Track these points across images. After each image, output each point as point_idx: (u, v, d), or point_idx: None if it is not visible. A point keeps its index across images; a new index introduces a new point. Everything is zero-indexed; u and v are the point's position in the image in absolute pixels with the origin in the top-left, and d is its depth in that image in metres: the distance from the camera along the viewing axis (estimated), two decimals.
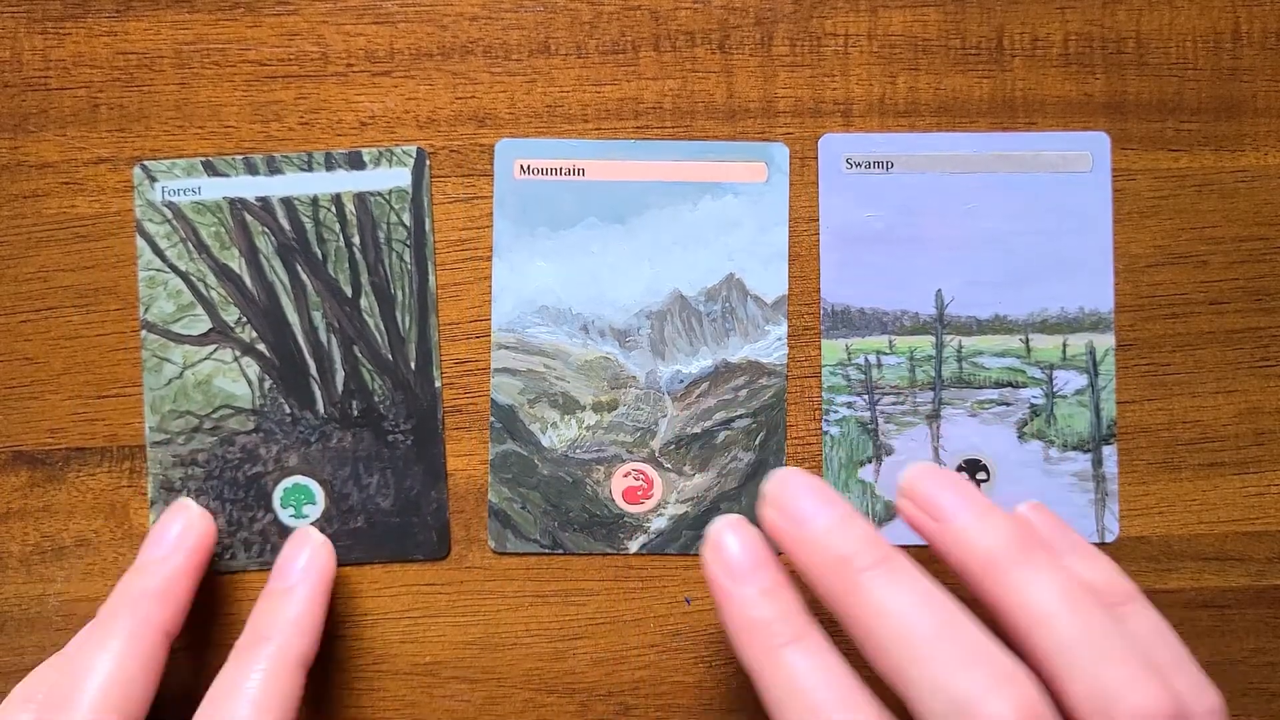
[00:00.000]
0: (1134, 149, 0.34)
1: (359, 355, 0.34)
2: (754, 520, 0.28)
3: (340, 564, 0.33)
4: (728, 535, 0.28)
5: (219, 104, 0.34)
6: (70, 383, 0.34)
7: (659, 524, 0.34)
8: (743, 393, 0.34)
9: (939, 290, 0.34)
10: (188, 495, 0.33)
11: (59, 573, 0.34)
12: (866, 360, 0.34)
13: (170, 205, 0.34)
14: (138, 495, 0.34)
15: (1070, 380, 0.34)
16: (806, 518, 0.28)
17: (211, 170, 0.34)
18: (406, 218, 0.34)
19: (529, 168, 0.34)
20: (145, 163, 0.34)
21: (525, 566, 0.34)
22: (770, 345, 0.34)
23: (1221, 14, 0.35)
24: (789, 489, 0.28)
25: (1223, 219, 0.35)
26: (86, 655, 0.29)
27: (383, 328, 0.34)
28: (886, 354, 0.34)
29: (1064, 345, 0.34)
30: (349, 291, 0.34)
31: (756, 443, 0.34)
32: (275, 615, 0.30)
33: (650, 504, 0.34)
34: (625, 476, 0.34)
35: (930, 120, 0.34)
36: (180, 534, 0.31)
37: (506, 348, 0.34)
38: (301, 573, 0.31)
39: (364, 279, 0.34)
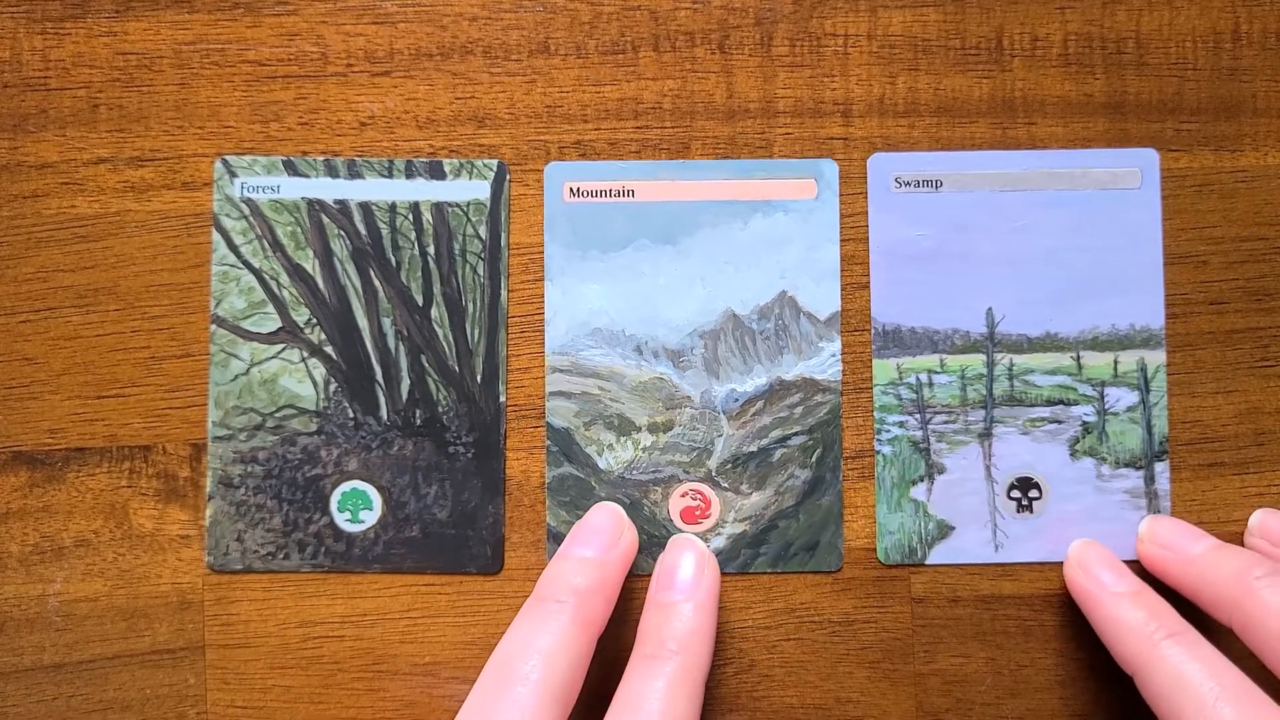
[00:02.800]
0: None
1: (426, 365, 0.34)
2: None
3: (393, 573, 0.34)
4: (1088, 552, 0.33)
5: (219, 104, 0.34)
6: (70, 383, 0.34)
7: (717, 543, 0.34)
8: (798, 410, 0.34)
9: (989, 308, 0.34)
10: (247, 493, 0.33)
11: (59, 573, 0.34)
12: (918, 379, 0.34)
13: (248, 202, 0.34)
14: (137, 495, 0.34)
15: (1122, 397, 0.34)
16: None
17: (292, 170, 0.34)
18: (483, 230, 0.34)
19: (578, 190, 0.34)
20: (226, 158, 0.34)
21: (524, 567, 0.34)
22: (824, 362, 0.34)
23: (1221, 14, 0.35)
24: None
25: (1223, 219, 0.35)
26: (533, 635, 0.29)
27: (451, 339, 0.34)
28: (938, 373, 0.34)
29: (1115, 362, 0.34)
30: (420, 300, 0.34)
31: (813, 459, 0.34)
32: (672, 628, 0.30)
33: (708, 523, 0.34)
34: (683, 497, 0.34)
35: (930, 120, 0.34)
36: (613, 538, 0.31)
37: (561, 370, 0.34)
38: (693, 585, 0.31)
39: (436, 289, 0.34)
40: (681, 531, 0.34)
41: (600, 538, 0.31)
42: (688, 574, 0.31)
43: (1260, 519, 0.33)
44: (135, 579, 0.34)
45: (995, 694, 0.34)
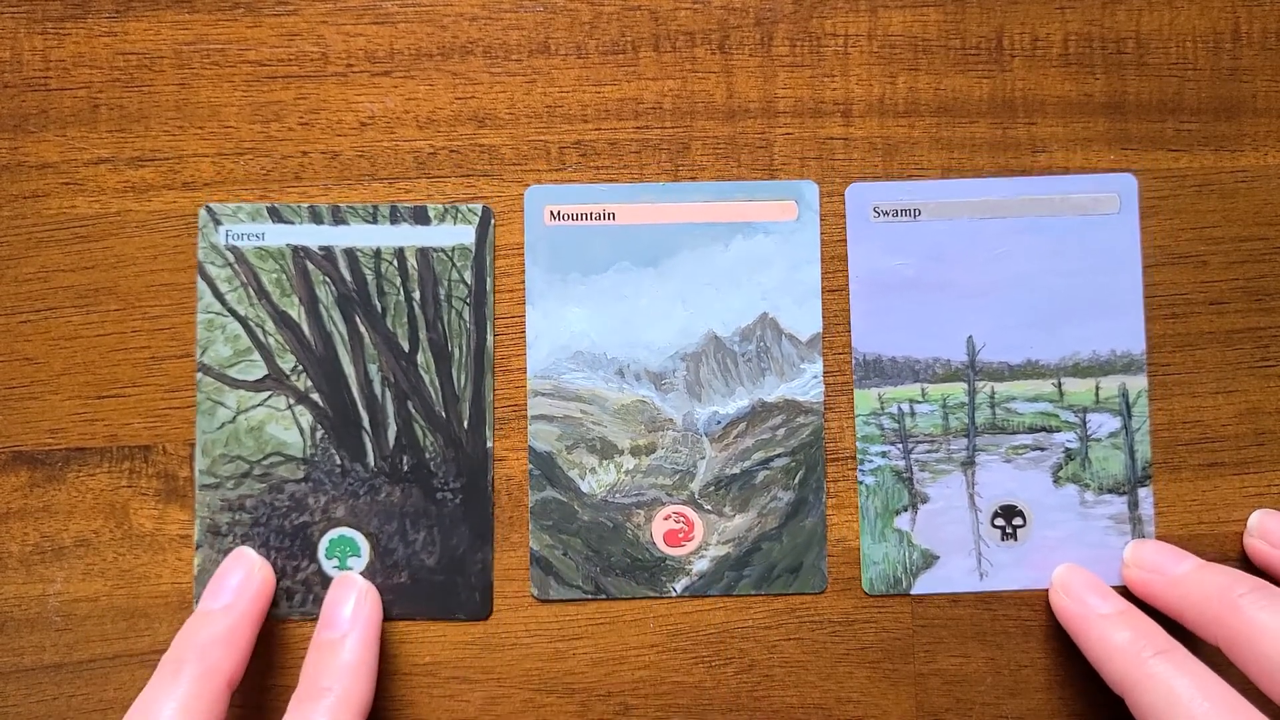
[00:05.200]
0: (1134, 149, 0.35)
1: (412, 410, 0.33)
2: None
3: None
4: (1072, 576, 0.33)
5: (219, 104, 0.34)
6: (70, 383, 0.34)
7: (701, 566, 0.34)
8: (780, 431, 0.34)
9: (970, 336, 0.34)
10: (234, 541, 0.33)
11: (59, 573, 0.34)
12: (899, 409, 0.34)
13: (233, 249, 0.34)
14: (138, 495, 0.34)
15: (1104, 423, 0.34)
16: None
17: (276, 216, 0.34)
18: (468, 275, 0.34)
19: (559, 214, 0.34)
20: (210, 205, 0.34)
21: (524, 567, 0.34)
22: (806, 383, 0.34)
23: (1221, 14, 0.35)
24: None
25: (1223, 219, 0.35)
26: (152, 705, 0.29)
27: (438, 384, 0.34)
28: (919, 402, 0.34)
29: (1096, 388, 0.34)
30: (406, 346, 0.34)
31: (796, 481, 0.34)
32: (330, 665, 0.30)
33: (692, 546, 0.34)
34: (666, 519, 0.34)
35: (930, 120, 0.34)
36: (242, 582, 0.32)
37: (543, 394, 0.34)
38: (351, 620, 0.31)
39: (422, 335, 0.34)
40: (667, 555, 0.34)
41: (222, 584, 0.32)
42: (346, 611, 0.32)
43: (1259, 519, 0.33)
44: (135, 579, 0.34)
45: (995, 694, 0.34)
